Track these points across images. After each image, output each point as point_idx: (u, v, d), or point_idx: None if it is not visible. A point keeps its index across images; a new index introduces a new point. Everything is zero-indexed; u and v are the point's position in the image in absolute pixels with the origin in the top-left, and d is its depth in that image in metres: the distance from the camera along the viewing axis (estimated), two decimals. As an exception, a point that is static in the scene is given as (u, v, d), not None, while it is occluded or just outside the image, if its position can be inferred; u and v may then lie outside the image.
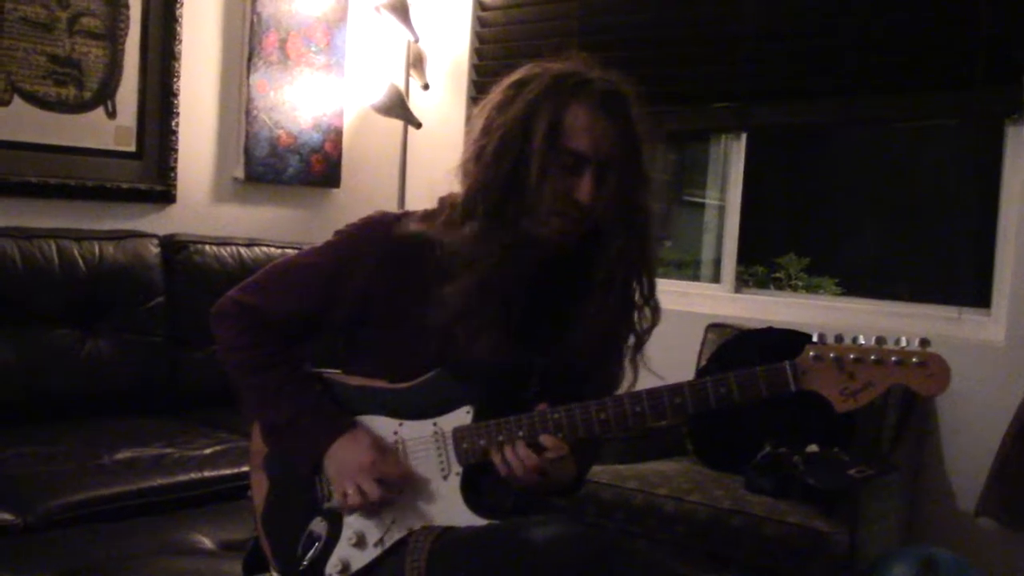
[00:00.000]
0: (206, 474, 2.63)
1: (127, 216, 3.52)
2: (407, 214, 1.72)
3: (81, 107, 3.42)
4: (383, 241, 1.66)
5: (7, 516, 2.25)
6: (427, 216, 1.69)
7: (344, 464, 1.62)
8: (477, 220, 1.60)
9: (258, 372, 1.69)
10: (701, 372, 3.17)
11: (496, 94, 1.65)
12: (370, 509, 1.62)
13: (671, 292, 3.67)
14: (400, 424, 1.65)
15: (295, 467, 1.70)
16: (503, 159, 1.58)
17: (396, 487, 1.61)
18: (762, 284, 5.32)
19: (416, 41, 4.01)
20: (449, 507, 1.60)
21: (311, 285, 1.69)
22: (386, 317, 1.66)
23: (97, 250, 3.16)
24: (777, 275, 5.67)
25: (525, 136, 1.57)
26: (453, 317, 1.59)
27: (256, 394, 1.70)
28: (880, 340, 1.47)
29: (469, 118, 3.94)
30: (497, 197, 1.59)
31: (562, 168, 1.58)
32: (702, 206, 6.01)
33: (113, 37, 3.46)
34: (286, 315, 1.69)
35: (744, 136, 3.58)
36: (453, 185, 1.68)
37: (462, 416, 1.61)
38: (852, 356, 1.46)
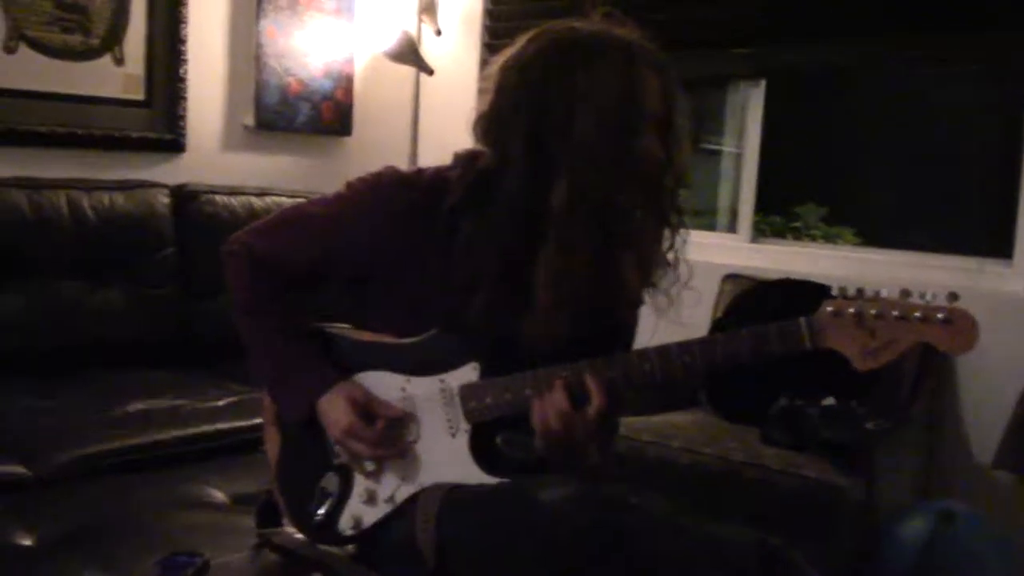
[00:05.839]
0: (218, 426, 2.63)
1: (137, 165, 3.48)
2: (420, 171, 1.67)
3: (88, 54, 3.37)
4: (392, 199, 1.62)
5: (19, 469, 2.26)
6: (440, 173, 1.64)
7: (328, 425, 1.63)
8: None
9: (255, 316, 1.69)
10: (717, 324, 3.14)
11: (535, 63, 1.54)
12: (371, 465, 1.62)
13: (687, 242, 3.63)
14: (407, 380, 1.63)
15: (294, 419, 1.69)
16: (590, 132, 1.50)
17: (380, 447, 1.60)
18: (780, 234, 5.28)
19: (428, -15, 3.93)
20: (458, 465, 1.58)
21: (317, 237, 1.67)
22: (391, 274, 1.63)
23: (107, 200, 3.14)
24: (795, 225, 5.63)
25: (619, 109, 1.50)
26: (464, 283, 1.56)
27: (252, 338, 1.70)
28: (905, 294, 1.40)
29: (483, 64, 3.90)
30: (598, 175, 1.51)
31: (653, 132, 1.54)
32: (719, 154, 5.94)
33: (119, -18, 3.40)
34: (290, 263, 1.68)
35: (763, 82, 3.50)
36: (467, 138, 1.63)
37: (469, 373, 1.59)
38: (873, 312, 1.39)
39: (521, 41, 1.59)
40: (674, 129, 1.56)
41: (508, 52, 1.59)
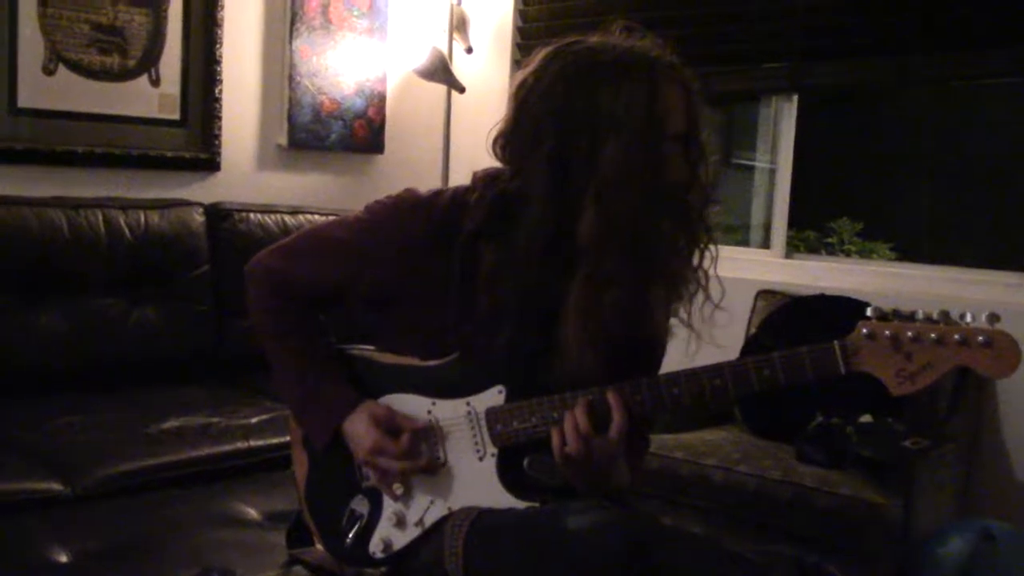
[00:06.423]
0: (252, 443, 2.64)
1: (172, 184, 3.52)
2: (439, 193, 1.64)
3: (125, 75, 3.41)
4: (411, 223, 1.60)
5: (55, 485, 2.27)
6: (458, 195, 1.61)
7: (354, 447, 1.62)
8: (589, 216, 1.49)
9: (276, 338, 1.70)
10: (751, 340, 3.11)
11: (556, 84, 1.49)
12: (399, 488, 1.61)
13: (719, 258, 3.61)
14: (433, 403, 1.62)
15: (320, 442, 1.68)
16: (612, 154, 1.46)
17: (406, 460, 1.59)
18: (814, 249, 5.23)
19: (459, 3, 3.96)
20: (486, 489, 1.57)
21: (336, 262, 1.66)
22: (411, 298, 1.62)
23: (143, 219, 3.17)
24: (829, 240, 5.58)
25: (646, 133, 1.46)
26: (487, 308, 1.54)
27: (274, 360, 1.71)
28: (943, 315, 1.34)
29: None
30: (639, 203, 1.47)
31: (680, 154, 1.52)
32: (752, 169, 5.90)
33: (156, 4, 3.44)
34: (309, 286, 1.68)
35: (795, 97, 3.48)
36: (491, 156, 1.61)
37: (495, 396, 1.57)
38: (910, 334, 1.34)
39: (538, 59, 1.54)
40: (698, 144, 1.53)
41: (526, 69, 1.55)
